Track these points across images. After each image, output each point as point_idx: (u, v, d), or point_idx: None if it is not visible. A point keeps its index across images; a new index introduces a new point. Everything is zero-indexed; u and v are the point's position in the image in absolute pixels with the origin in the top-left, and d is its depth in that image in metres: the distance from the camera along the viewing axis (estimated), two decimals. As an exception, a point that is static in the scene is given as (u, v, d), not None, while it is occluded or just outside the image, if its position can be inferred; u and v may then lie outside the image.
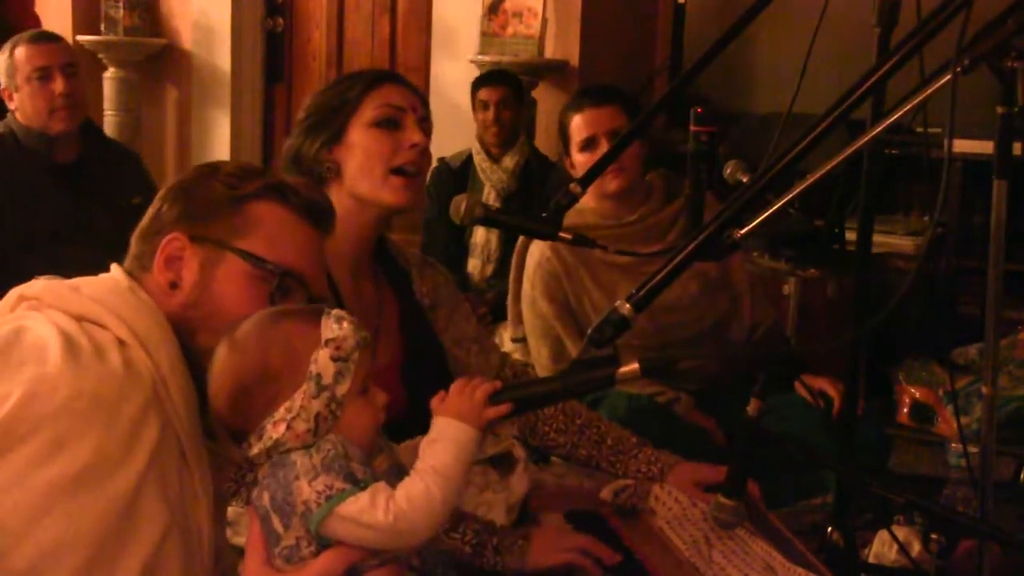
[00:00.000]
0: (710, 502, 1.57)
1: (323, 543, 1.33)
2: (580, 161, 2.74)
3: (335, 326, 1.37)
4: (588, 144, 2.74)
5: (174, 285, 1.40)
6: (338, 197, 1.90)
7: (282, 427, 1.35)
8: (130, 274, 1.43)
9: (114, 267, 1.45)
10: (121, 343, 1.31)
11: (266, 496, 1.35)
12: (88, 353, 1.27)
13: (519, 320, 2.87)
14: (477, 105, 4.47)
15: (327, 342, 1.36)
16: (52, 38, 3.47)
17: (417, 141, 1.90)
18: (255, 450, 1.36)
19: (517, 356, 2.88)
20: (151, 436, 1.27)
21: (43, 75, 3.32)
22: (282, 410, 1.35)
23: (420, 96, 1.99)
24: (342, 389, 1.35)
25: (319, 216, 1.50)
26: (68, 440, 1.21)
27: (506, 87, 4.46)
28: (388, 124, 1.91)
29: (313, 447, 1.34)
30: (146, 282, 1.41)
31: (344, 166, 1.91)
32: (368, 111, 1.91)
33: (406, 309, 2.02)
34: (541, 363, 2.77)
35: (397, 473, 1.38)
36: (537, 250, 2.77)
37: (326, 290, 1.47)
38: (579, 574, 1.71)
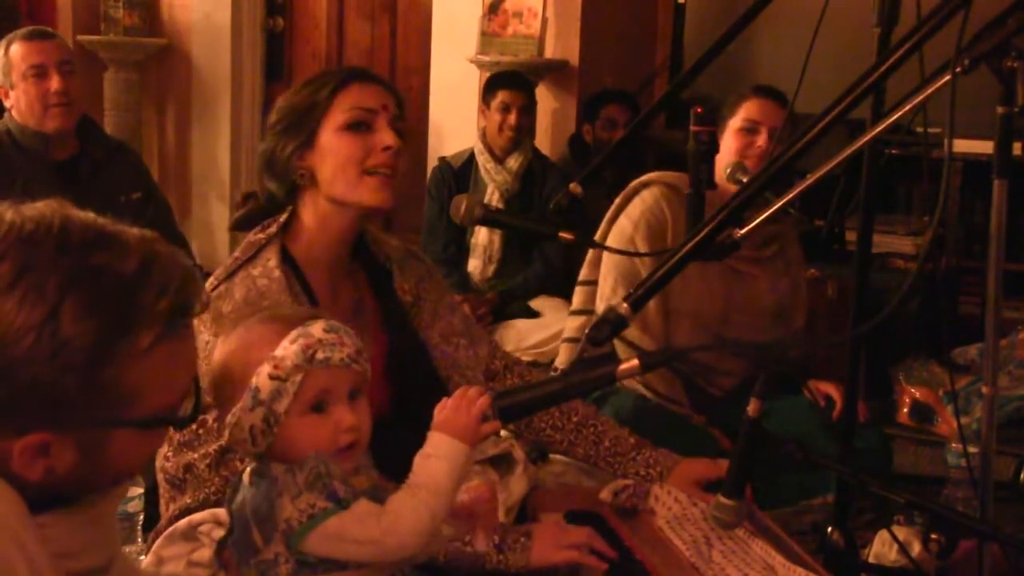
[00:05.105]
0: (710, 502, 1.57)
1: (302, 560, 1.34)
2: (732, 144, 2.73)
3: (286, 342, 1.37)
4: (750, 130, 2.74)
5: (48, 471, 1.07)
6: (314, 203, 1.89)
7: (229, 430, 1.38)
8: None
9: None
10: None
11: (248, 506, 1.36)
12: None
13: (596, 262, 2.86)
14: (495, 107, 4.35)
15: (271, 358, 1.36)
16: (48, 35, 3.43)
17: (389, 143, 1.85)
18: (221, 442, 1.40)
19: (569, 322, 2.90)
20: None
21: (39, 73, 3.29)
22: (232, 413, 1.38)
23: (392, 92, 1.93)
24: (280, 406, 1.36)
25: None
26: None
27: (525, 92, 4.40)
28: (359, 127, 1.86)
29: (297, 464, 1.35)
30: None
31: (318, 172, 1.87)
32: (338, 114, 1.85)
33: (387, 308, 1.98)
34: (611, 302, 2.78)
35: (376, 494, 1.38)
36: (650, 196, 2.79)
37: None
38: (582, 572, 1.71)
